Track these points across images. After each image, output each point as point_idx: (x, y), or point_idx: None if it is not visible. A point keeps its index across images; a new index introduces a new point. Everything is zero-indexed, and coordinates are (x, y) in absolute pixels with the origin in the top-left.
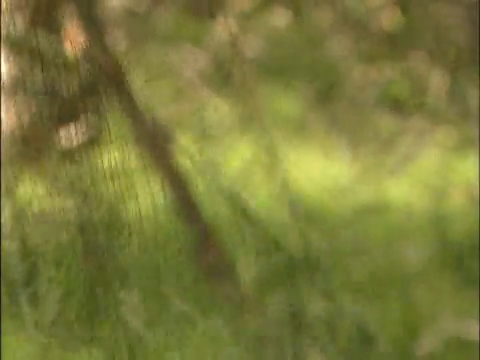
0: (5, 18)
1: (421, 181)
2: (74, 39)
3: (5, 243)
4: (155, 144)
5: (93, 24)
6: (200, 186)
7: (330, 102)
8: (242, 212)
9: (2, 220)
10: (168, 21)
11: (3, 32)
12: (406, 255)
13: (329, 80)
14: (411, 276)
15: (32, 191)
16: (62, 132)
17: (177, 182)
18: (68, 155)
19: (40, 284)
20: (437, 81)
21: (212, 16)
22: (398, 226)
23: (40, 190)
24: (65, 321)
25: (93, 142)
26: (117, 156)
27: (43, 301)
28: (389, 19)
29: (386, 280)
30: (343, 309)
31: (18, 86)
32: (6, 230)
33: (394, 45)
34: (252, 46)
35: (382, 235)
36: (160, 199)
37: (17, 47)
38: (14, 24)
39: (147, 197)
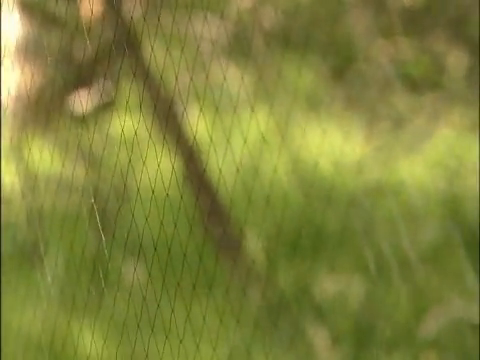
0: None
1: (435, 161)
2: (90, 4)
3: (14, 206)
4: (168, 113)
5: None
6: (212, 158)
7: (346, 78)
8: (252, 186)
9: (2, 183)
10: None
11: None
12: (417, 236)
13: (346, 55)
14: (421, 257)
15: (42, 155)
16: (75, 97)
17: (188, 153)
18: (80, 120)
19: (47, 249)
20: (454, 60)
21: None
22: (410, 206)
23: (51, 155)
24: (71, 288)
25: (105, 108)
26: (129, 124)
27: (50, 267)
28: None
29: (395, 261)
30: (350, 288)
31: (32, 49)
32: (16, 193)
33: (413, 22)
34: (270, 18)
35: (394, 215)
36: (171, 169)
37: (32, 10)
38: None
39: (157, 166)
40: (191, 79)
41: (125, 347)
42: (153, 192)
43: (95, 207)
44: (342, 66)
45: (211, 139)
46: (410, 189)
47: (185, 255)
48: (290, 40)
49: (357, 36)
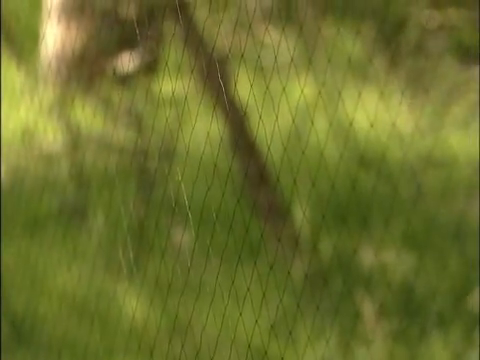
0: None
1: None
2: None
3: (59, 163)
4: (213, 75)
5: None
6: (257, 122)
7: (395, 46)
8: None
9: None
10: None
11: None
12: (466, 209)
13: (395, 23)
14: (470, 230)
15: (85, 114)
16: (119, 57)
17: (234, 115)
18: (124, 80)
19: (90, 208)
20: None
21: None
22: (458, 179)
23: (93, 113)
24: (112, 247)
25: (150, 69)
26: (173, 85)
27: (92, 224)
28: None
29: (443, 233)
30: (397, 259)
31: (78, 8)
32: (60, 151)
33: None
34: None
35: (441, 187)
36: (215, 132)
37: None
38: None
39: (202, 129)
40: (238, 41)
41: (168, 311)
42: (196, 154)
43: (138, 166)
44: (391, 34)
45: (256, 102)
46: (458, 162)
47: (228, 219)
48: (338, 5)
49: (408, 3)
